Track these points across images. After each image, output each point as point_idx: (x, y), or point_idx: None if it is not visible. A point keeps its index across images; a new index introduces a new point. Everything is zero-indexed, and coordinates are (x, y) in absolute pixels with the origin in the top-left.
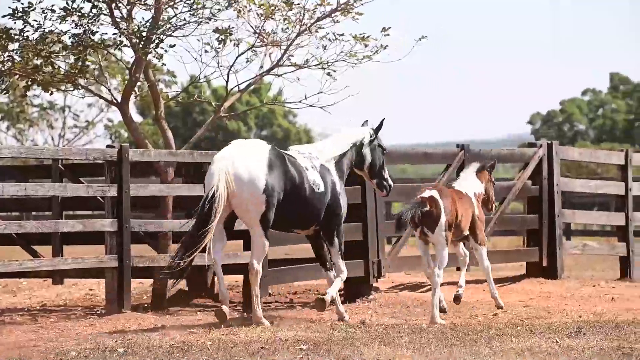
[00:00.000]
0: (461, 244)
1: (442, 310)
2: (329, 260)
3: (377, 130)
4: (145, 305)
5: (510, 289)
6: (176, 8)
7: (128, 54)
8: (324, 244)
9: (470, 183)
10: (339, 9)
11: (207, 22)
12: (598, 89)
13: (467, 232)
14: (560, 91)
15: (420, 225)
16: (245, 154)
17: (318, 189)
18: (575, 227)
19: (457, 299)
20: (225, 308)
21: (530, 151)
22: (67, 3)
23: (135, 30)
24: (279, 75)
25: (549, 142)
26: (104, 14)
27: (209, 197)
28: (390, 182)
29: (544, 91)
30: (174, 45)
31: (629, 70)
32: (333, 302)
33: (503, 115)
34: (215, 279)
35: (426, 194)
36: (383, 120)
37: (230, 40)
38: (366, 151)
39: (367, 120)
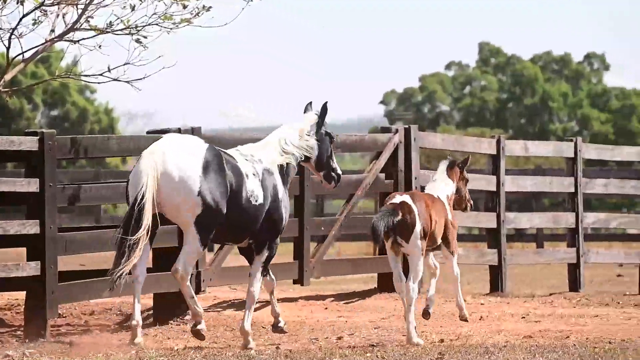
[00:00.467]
0: (432, 254)
1: (282, 332)
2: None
3: (323, 116)
4: None
5: (359, 306)
6: None
7: None
8: None
9: (441, 185)
10: None
11: None
12: (465, 62)
13: (440, 241)
14: (419, 65)
15: (393, 235)
16: (177, 149)
17: (256, 200)
18: None
19: (426, 313)
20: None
21: (384, 137)
22: None
23: None
24: (74, 42)
25: (406, 126)
26: None
27: (138, 200)
28: (339, 171)
29: (400, 64)
30: None
31: (500, 39)
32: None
33: (351, 93)
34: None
35: (397, 199)
36: (326, 103)
37: None
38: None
39: (310, 103)
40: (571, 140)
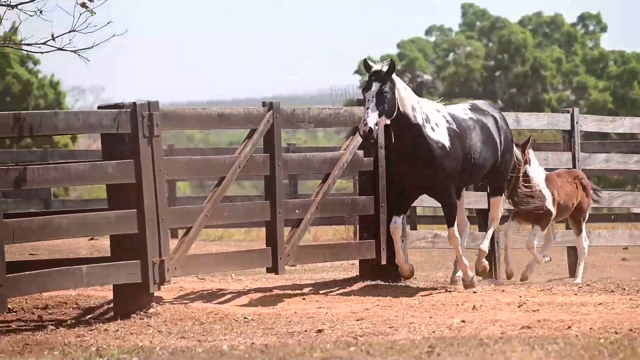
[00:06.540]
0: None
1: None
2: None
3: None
4: None
5: (339, 296)
6: None
7: None
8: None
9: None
10: None
11: None
12: (447, 27)
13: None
14: (397, 30)
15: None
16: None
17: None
18: (423, 211)
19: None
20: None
21: (362, 111)
22: None
23: None
24: (12, 6)
25: None
26: None
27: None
28: None
29: (376, 30)
30: None
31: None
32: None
33: (319, 64)
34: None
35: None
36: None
37: None
38: None
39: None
40: (568, 112)
